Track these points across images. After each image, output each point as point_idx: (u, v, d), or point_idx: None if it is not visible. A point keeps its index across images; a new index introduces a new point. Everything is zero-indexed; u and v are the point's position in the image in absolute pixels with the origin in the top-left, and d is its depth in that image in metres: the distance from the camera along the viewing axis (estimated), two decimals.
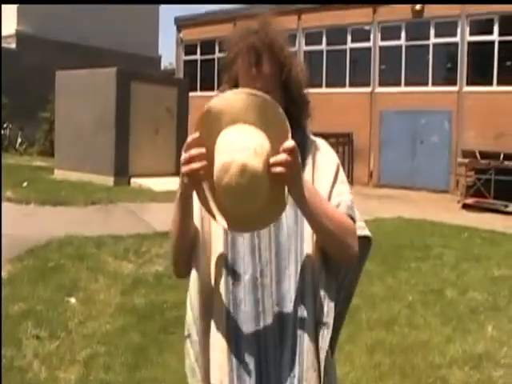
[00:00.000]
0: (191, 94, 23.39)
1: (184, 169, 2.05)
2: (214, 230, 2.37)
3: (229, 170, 1.93)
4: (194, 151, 2.01)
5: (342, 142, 25.27)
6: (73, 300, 7.24)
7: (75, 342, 6.02)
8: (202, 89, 30.49)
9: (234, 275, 2.34)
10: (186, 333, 2.45)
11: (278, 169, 1.97)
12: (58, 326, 6.37)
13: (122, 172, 19.35)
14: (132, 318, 6.76)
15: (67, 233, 10.64)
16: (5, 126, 31.84)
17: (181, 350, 2.53)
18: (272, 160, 1.97)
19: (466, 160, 20.15)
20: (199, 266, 2.38)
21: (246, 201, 2.00)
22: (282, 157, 1.97)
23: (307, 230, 2.33)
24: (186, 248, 2.38)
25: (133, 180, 19.35)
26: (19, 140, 32.60)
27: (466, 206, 18.32)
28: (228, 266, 2.35)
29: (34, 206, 14.34)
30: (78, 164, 20.05)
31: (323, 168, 2.41)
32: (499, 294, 8.42)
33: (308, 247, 2.35)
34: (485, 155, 19.66)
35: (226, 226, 2.12)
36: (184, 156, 2.03)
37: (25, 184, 17.36)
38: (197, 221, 2.37)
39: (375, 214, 15.02)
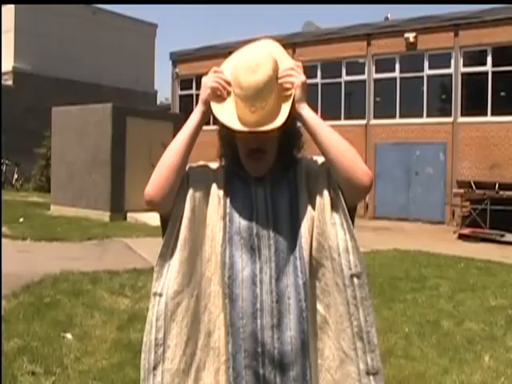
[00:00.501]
0: None
1: (211, 81, 2.41)
2: (212, 229, 2.44)
3: (245, 65, 2.32)
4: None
5: None
6: (69, 336, 7.21)
7: (71, 378, 5.98)
8: None
9: (232, 271, 2.38)
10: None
11: (289, 77, 2.40)
12: (53, 361, 6.32)
13: (118, 207, 19.37)
14: (128, 353, 6.73)
15: (63, 269, 10.62)
16: (1, 161, 31.89)
17: None
18: (282, 71, 2.40)
19: (462, 190, 20.21)
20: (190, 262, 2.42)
21: (255, 95, 2.29)
22: (291, 68, 2.43)
23: (305, 226, 2.41)
24: (176, 182, 2.45)
25: (129, 215, 19.36)
26: (15, 176, 32.67)
27: (461, 236, 18.34)
28: (225, 262, 2.39)
29: (30, 241, 14.34)
30: (74, 200, 20.08)
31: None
32: (496, 324, 8.40)
33: (306, 244, 2.40)
34: (480, 185, 19.72)
35: (239, 127, 2.34)
36: (212, 74, 2.43)
37: (21, 220, 17.37)
38: (189, 222, 2.42)
39: (371, 246, 15.03)
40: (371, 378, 2.37)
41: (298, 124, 2.53)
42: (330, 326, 2.41)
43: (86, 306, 8.60)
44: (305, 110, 2.44)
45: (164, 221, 2.49)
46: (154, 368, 2.36)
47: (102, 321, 7.93)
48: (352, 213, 2.45)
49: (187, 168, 2.49)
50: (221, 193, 2.48)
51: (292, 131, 2.52)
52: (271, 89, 2.33)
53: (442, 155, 23.48)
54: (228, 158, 2.56)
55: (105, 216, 19.13)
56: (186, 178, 2.47)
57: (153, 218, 18.27)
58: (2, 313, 7.97)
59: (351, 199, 2.43)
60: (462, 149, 22.88)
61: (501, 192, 18.99)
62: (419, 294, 10.14)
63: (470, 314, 8.90)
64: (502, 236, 17.65)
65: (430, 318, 8.65)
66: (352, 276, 2.35)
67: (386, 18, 27.35)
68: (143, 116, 20.83)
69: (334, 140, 2.46)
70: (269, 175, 2.49)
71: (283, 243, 2.40)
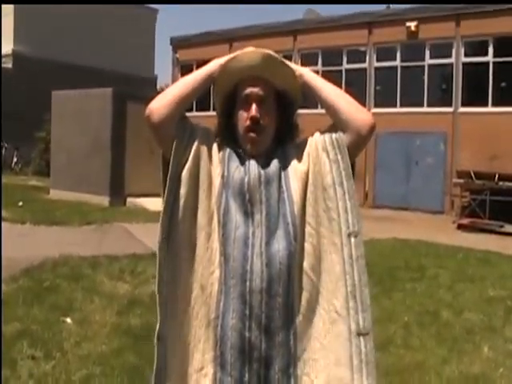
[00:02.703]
0: (187, 113, 23.34)
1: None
2: (214, 185, 2.53)
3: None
4: None
5: None
6: (68, 320, 7.21)
7: (71, 362, 5.98)
8: (197, 109, 30.45)
9: (225, 229, 2.44)
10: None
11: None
12: (53, 346, 6.33)
13: (118, 192, 19.35)
14: (128, 338, 6.73)
15: (62, 253, 10.62)
16: (0, 145, 31.84)
17: None
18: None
19: (461, 181, 20.20)
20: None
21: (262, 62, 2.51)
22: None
23: (296, 193, 2.48)
24: (180, 110, 2.61)
25: (128, 200, 19.35)
26: (15, 159, 32.64)
27: (461, 227, 18.35)
28: (220, 220, 2.46)
29: (29, 225, 14.32)
30: (73, 184, 20.06)
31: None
32: (495, 315, 8.41)
33: (299, 211, 2.47)
34: (480, 176, 19.70)
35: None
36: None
37: (20, 204, 17.34)
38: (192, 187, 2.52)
39: (370, 235, 14.98)
40: (361, 338, 2.41)
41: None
42: (322, 292, 2.46)
43: (85, 290, 8.61)
44: (306, 71, 2.64)
45: (165, 161, 2.69)
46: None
47: (102, 305, 7.93)
48: (352, 169, 2.54)
49: (192, 123, 2.62)
50: (220, 154, 2.56)
51: (289, 115, 2.68)
52: (276, 64, 2.53)
53: (442, 145, 23.46)
54: (226, 139, 2.62)
55: (104, 201, 19.12)
56: (190, 131, 2.58)
57: (152, 203, 18.27)
58: (2, 296, 7.98)
59: (352, 149, 2.54)
60: (462, 139, 22.85)
61: (500, 183, 18.98)
62: (418, 283, 10.16)
63: (469, 305, 8.91)
64: (502, 227, 17.66)
65: (430, 308, 8.66)
66: (349, 235, 2.42)
67: (388, 7, 27.28)
68: (144, 101, 20.62)
69: (334, 89, 2.63)
70: (263, 154, 2.56)
71: (275, 208, 2.46)
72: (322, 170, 2.49)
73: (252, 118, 2.50)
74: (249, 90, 2.53)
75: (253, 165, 2.51)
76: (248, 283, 2.38)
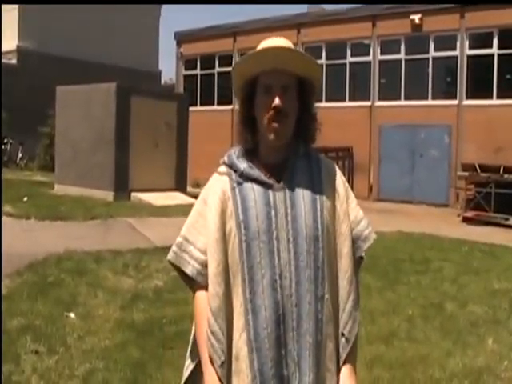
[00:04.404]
0: (191, 108, 23.42)
1: None
2: (231, 241, 2.47)
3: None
4: None
5: (341, 157, 25.33)
6: (72, 315, 7.22)
7: (74, 357, 5.99)
8: (201, 103, 30.58)
9: (252, 283, 2.41)
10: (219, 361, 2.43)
11: None
12: (56, 341, 6.34)
13: (122, 187, 19.36)
14: (131, 333, 6.74)
15: (66, 248, 10.64)
16: (5, 140, 31.86)
17: (180, 365, 2.55)
18: None
19: (466, 173, 20.14)
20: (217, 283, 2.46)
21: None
22: None
23: (324, 232, 2.48)
24: None
25: (133, 195, 19.36)
26: (19, 155, 32.68)
27: (465, 220, 18.32)
28: (244, 274, 2.43)
29: (34, 221, 14.33)
30: (78, 179, 20.08)
31: (348, 194, 2.70)
32: (499, 307, 8.40)
33: (325, 250, 2.48)
34: (485, 168, 19.64)
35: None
36: None
37: (25, 199, 17.36)
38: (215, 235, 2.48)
39: (375, 228, 14.78)
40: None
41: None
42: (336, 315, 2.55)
43: (89, 285, 8.62)
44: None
45: None
46: None
47: (106, 300, 7.95)
48: None
49: (204, 202, 2.60)
50: (232, 203, 2.50)
51: (310, 104, 2.62)
52: (298, 54, 2.58)
53: (446, 138, 23.42)
54: (247, 143, 2.59)
55: (109, 195, 19.12)
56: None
57: (157, 198, 18.30)
58: (6, 291, 7.99)
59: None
60: (466, 132, 22.80)
61: (505, 175, 18.92)
62: (423, 276, 10.15)
63: (473, 297, 8.89)
64: (507, 219, 17.62)
65: (434, 301, 8.65)
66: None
67: None
68: (147, 95, 20.77)
69: None
70: (283, 155, 2.55)
71: (303, 246, 2.44)
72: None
73: (276, 108, 2.45)
74: (271, 80, 2.49)
75: (279, 196, 2.49)
76: (282, 326, 2.39)
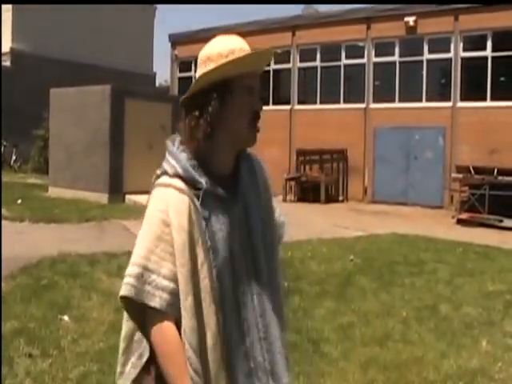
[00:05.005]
0: None
1: None
2: (202, 269, 2.32)
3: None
4: None
5: (336, 159, 25.36)
6: (66, 318, 7.21)
7: (68, 360, 5.98)
8: None
9: (224, 311, 2.34)
10: None
11: None
12: (50, 344, 6.33)
13: (117, 189, 19.35)
14: None
15: (60, 250, 10.61)
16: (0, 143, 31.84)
17: None
18: None
19: (460, 175, 20.17)
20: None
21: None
22: None
23: (275, 243, 2.56)
24: None
25: (127, 197, 19.35)
26: (14, 157, 32.62)
27: (460, 221, 18.33)
28: (216, 302, 2.33)
29: (28, 223, 14.32)
30: (72, 181, 20.07)
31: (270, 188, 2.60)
32: (493, 309, 8.41)
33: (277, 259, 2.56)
34: (479, 170, 19.69)
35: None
36: None
37: (19, 201, 17.34)
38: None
39: (369, 230, 15.05)
40: None
41: None
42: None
43: (83, 288, 8.60)
44: None
45: None
46: None
47: (100, 303, 7.93)
48: None
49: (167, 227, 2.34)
50: (198, 227, 2.32)
51: None
52: None
53: (441, 140, 23.43)
54: (199, 150, 2.39)
55: (103, 198, 19.11)
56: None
57: None
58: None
59: None
60: (461, 134, 22.82)
61: (500, 177, 18.96)
62: (417, 278, 10.15)
63: (467, 299, 8.91)
64: (501, 221, 17.63)
65: (428, 303, 8.67)
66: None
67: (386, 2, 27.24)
68: (142, 98, 20.76)
69: None
70: (241, 188, 2.45)
71: (261, 263, 2.45)
72: None
73: (258, 112, 2.39)
74: (256, 82, 2.42)
75: (237, 214, 2.41)
76: (247, 339, 2.38)
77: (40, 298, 7.95)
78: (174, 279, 2.28)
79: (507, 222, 17.48)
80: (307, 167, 26.22)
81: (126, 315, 2.43)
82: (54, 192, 20.52)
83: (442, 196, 22.91)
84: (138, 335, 2.39)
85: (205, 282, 2.28)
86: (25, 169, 31.96)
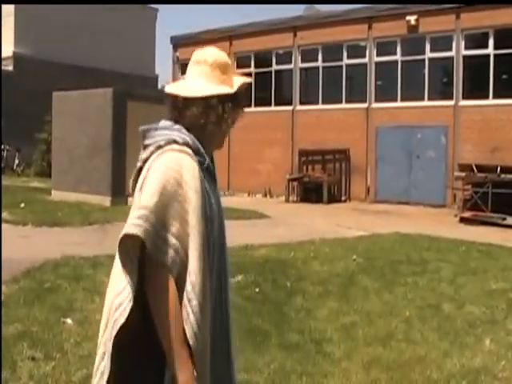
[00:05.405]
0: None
1: None
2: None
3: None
4: None
5: (339, 159, 25.36)
6: (69, 321, 7.20)
7: (71, 363, 5.97)
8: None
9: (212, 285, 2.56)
10: None
11: None
12: (53, 347, 6.32)
13: (119, 192, 19.33)
14: None
15: (63, 253, 10.61)
16: (2, 147, 31.88)
17: None
18: None
19: (463, 174, 20.14)
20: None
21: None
22: None
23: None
24: None
25: (130, 199, 19.31)
26: (16, 161, 32.69)
27: (463, 220, 18.31)
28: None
29: (31, 227, 14.33)
30: (75, 185, 20.07)
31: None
32: (497, 308, 8.39)
33: None
34: (481, 169, 19.66)
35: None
36: None
37: (22, 205, 17.35)
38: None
39: (372, 229, 15.05)
40: None
41: None
42: None
43: (86, 290, 8.60)
44: None
45: None
46: None
47: (102, 305, 7.87)
48: None
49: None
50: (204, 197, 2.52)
51: None
52: None
53: (443, 138, 23.42)
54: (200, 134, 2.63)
55: (106, 201, 19.11)
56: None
57: None
58: (3, 297, 7.97)
59: None
60: (463, 132, 22.82)
61: (502, 175, 18.93)
62: (420, 277, 10.12)
63: (470, 298, 8.89)
64: (504, 219, 17.61)
65: (431, 302, 8.65)
66: None
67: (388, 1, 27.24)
68: (144, 100, 20.73)
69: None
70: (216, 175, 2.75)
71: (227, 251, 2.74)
72: None
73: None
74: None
75: (217, 194, 2.69)
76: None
77: (43, 301, 7.94)
78: (180, 239, 2.38)
79: (510, 220, 17.47)
80: (309, 167, 26.24)
81: None
82: (56, 195, 20.53)
83: (445, 195, 22.91)
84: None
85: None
86: (28, 172, 32.03)
